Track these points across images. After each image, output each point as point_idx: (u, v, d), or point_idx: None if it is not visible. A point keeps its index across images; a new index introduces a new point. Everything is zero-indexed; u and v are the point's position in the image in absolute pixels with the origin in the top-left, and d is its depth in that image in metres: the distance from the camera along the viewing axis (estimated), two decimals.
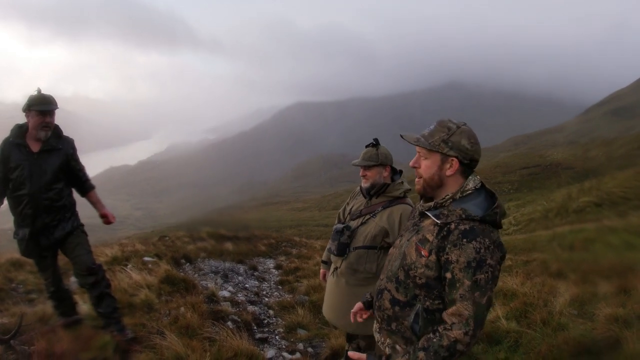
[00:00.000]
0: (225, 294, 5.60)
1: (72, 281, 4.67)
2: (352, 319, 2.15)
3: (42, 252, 3.41)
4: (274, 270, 8.27)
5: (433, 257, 1.71)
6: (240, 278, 6.98)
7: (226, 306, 4.91)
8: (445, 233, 1.69)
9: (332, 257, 3.12)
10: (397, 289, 1.83)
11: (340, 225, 3.04)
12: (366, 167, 2.98)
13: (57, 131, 3.39)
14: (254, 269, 7.87)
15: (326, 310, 3.20)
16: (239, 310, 4.99)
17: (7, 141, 3.28)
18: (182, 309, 4.24)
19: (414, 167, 1.86)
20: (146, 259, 6.45)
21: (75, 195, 3.58)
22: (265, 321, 5.00)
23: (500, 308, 4.54)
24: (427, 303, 1.76)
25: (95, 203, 3.65)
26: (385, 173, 3.00)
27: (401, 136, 1.92)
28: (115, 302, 3.60)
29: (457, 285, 1.64)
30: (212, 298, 5.12)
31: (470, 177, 1.79)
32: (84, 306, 3.98)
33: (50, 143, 3.32)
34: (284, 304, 5.54)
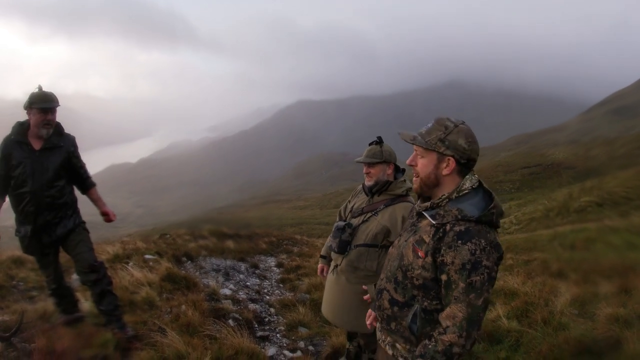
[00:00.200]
0: (227, 292, 5.60)
1: (74, 279, 4.67)
2: (367, 324, 2.13)
3: (43, 250, 3.42)
4: (275, 269, 8.27)
5: (429, 259, 1.70)
6: (241, 276, 6.98)
7: (227, 304, 4.91)
8: (441, 234, 1.69)
9: (333, 255, 3.12)
10: (396, 289, 1.83)
11: (341, 223, 3.03)
12: (370, 165, 2.97)
13: (58, 129, 3.39)
14: (255, 267, 7.87)
15: (325, 308, 3.19)
16: (240, 308, 5.00)
17: (8, 139, 3.28)
18: (183, 306, 4.24)
19: (411, 165, 1.86)
20: (147, 256, 6.46)
21: (77, 192, 3.59)
22: (267, 319, 5.00)
23: (501, 307, 4.54)
24: (425, 303, 1.76)
25: (96, 200, 3.65)
26: (389, 171, 3.00)
27: (398, 134, 1.91)
28: (116, 299, 3.60)
29: (453, 287, 1.64)
30: (213, 296, 5.12)
31: (467, 177, 1.77)
32: (85, 304, 3.99)
33: (52, 141, 3.32)
34: (285, 302, 5.54)
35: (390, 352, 1.90)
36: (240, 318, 4.56)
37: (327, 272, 3.28)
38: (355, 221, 3.01)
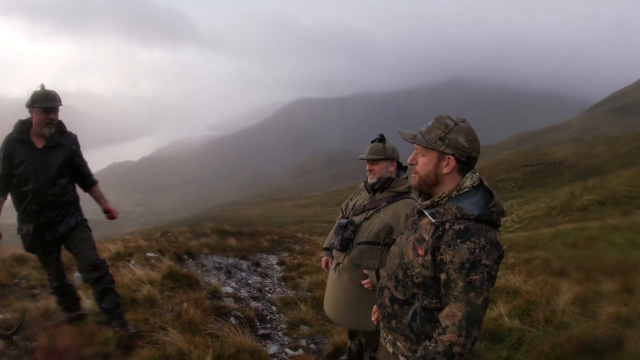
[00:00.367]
0: (228, 289, 5.60)
1: (76, 276, 4.68)
2: (373, 320, 2.14)
3: (46, 248, 3.42)
4: (276, 267, 8.28)
5: (429, 257, 1.70)
6: (243, 274, 6.99)
7: (229, 302, 4.92)
8: (440, 233, 1.68)
9: (335, 253, 3.11)
10: (396, 287, 1.83)
11: (344, 220, 3.03)
12: (373, 161, 2.96)
13: (60, 127, 3.39)
14: (257, 265, 7.89)
15: (327, 306, 3.19)
16: (241, 306, 5.00)
17: (10, 137, 3.28)
18: (185, 304, 4.25)
19: (412, 164, 1.86)
20: (149, 254, 6.47)
21: (79, 190, 3.59)
22: (268, 317, 5.01)
23: (503, 306, 4.53)
24: (425, 302, 1.76)
25: (99, 198, 3.65)
26: (392, 168, 2.99)
27: (399, 133, 1.91)
28: (118, 297, 3.61)
29: (452, 286, 1.63)
30: (215, 294, 5.13)
31: (468, 175, 1.76)
32: (87, 301, 3.99)
33: (54, 139, 3.33)
34: (287, 300, 5.55)
35: (390, 350, 1.90)
36: (242, 316, 4.57)
37: (331, 264, 3.27)
38: (357, 219, 3.00)
